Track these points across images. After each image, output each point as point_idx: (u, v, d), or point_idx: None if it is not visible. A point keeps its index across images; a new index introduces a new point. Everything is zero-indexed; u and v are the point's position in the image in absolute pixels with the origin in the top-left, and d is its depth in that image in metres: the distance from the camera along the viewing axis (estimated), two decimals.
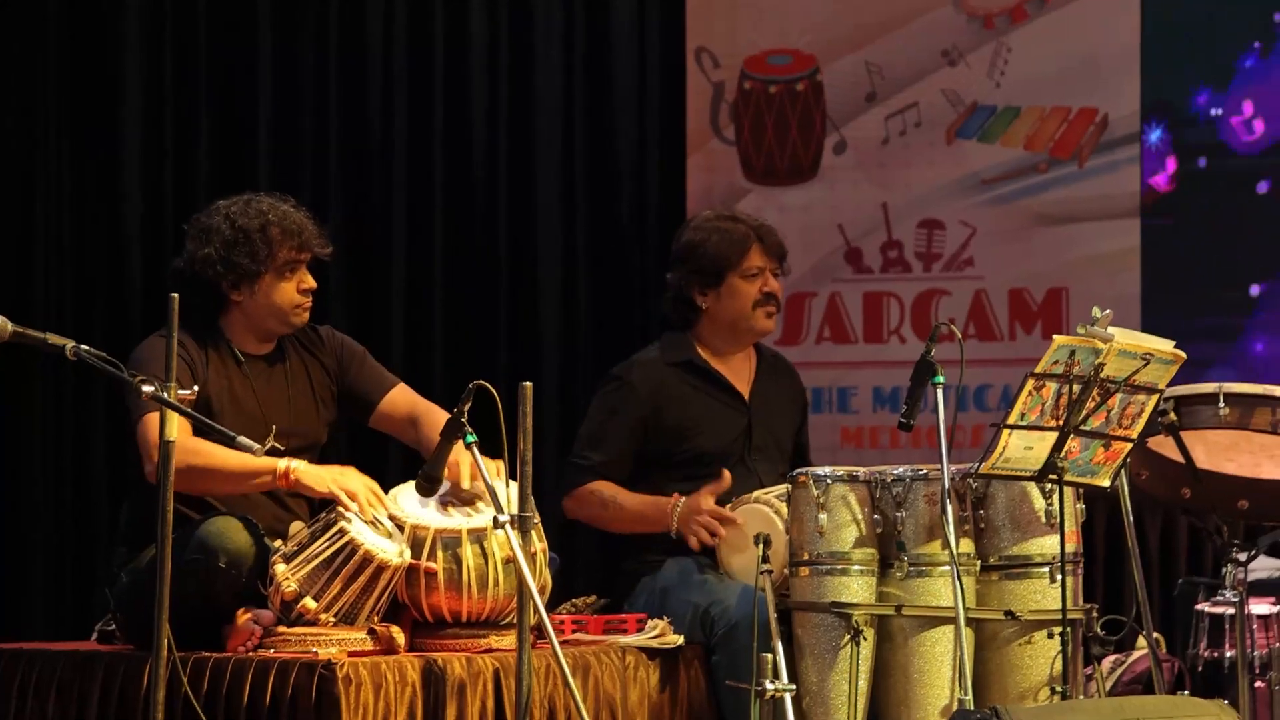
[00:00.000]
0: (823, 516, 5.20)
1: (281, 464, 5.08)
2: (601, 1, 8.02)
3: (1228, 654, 5.37)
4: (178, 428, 4.57)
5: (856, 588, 5.18)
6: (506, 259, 8.00)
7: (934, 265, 7.81)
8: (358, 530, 5.02)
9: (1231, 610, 5.29)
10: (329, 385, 5.45)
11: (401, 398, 5.47)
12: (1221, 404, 5.19)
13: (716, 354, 5.87)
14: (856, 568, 5.19)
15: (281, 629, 4.95)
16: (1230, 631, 5.33)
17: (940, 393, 5.10)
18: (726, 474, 5.60)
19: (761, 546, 5.17)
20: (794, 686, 5.02)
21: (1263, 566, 5.82)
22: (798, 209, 7.87)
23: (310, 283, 5.34)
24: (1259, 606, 5.34)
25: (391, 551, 5.04)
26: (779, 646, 5.04)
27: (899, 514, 5.18)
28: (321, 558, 4.99)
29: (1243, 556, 5.26)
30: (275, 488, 5.13)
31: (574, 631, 5.40)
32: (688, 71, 7.98)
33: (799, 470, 5.33)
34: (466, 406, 4.85)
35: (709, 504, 5.56)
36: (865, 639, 5.15)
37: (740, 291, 5.81)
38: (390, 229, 7.92)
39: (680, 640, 5.38)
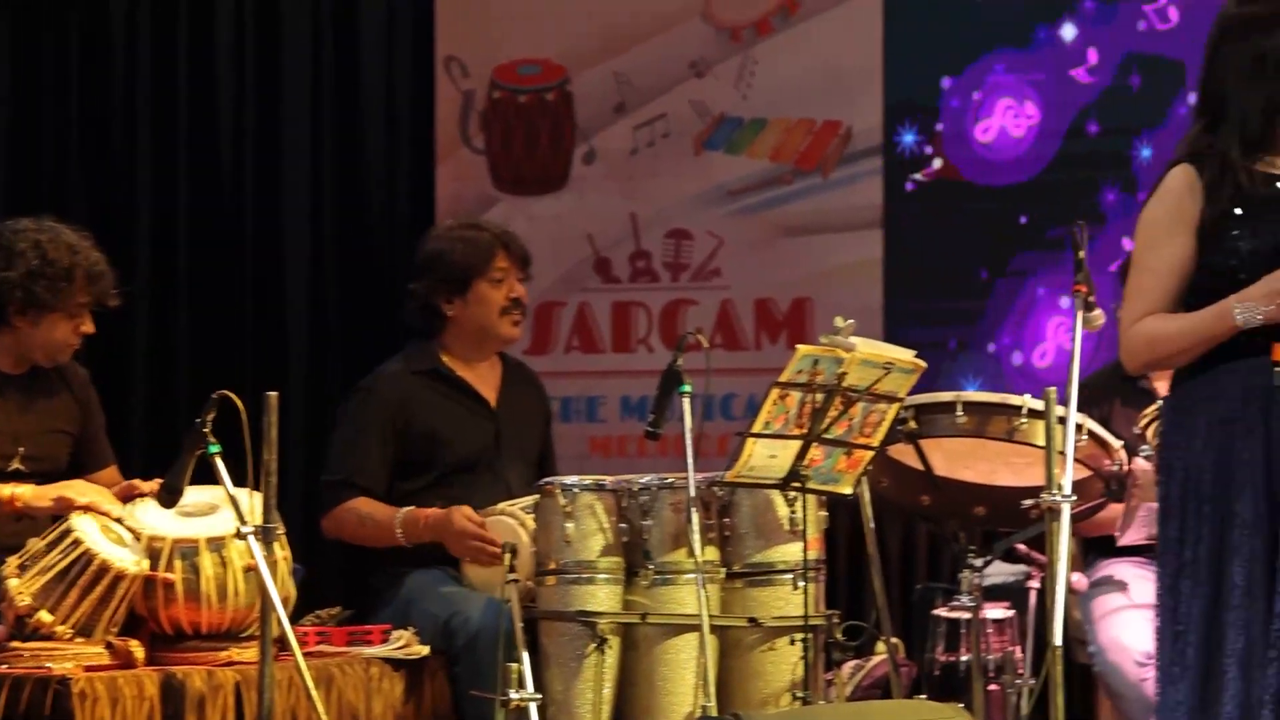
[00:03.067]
0: (570, 525, 5.21)
1: (5, 491, 5.01)
2: (350, 9, 7.97)
3: (963, 658, 5.44)
4: None
5: (603, 596, 5.19)
6: (254, 267, 7.91)
7: (682, 275, 7.86)
8: (93, 540, 4.95)
9: (967, 615, 5.37)
10: (75, 422, 5.43)
11: (108, 479, 5.44)
12: (959, 412, 5.26)
13: (463, 362, 5.86)
14: (603, 576, 5.20)
15: (15, 644, 4.85)
16: (966, 636, 5.40)
17: (687, 402, 5.13)
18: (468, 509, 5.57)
19: (508, 556, 5.16)
20: (539, 696, 5.02)
21: (997, 572, 5.92)
22: (547, 218, 7.88)
23: (90, 328, 5.32)
24: (993, 611, 5.42)
25: (129, 560, 4.97)
26: (524, 656, 5.04)
27: (645, 522, 5.20)
28: (56, 569, 4.90)
29: (979, 562, 5.34)
30: (3, 513, 5.04)
31: (318, 643, 5.35)
32: (437, 80, 7.95)
33: (547, 480, 5.33)
34: (209, 417, 4.79)
35: (465, 524, 5.51)
36: (610, 647, 5.16)
37: (487, 298, 5.82)
38: (134, 240, 7.80)
39: (425, 651, 5.36)
